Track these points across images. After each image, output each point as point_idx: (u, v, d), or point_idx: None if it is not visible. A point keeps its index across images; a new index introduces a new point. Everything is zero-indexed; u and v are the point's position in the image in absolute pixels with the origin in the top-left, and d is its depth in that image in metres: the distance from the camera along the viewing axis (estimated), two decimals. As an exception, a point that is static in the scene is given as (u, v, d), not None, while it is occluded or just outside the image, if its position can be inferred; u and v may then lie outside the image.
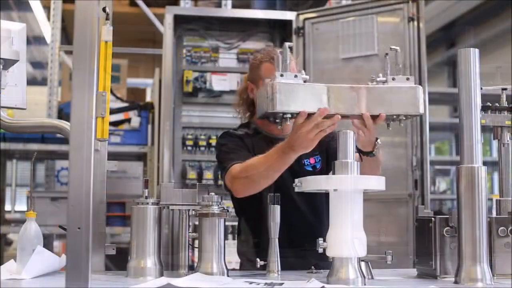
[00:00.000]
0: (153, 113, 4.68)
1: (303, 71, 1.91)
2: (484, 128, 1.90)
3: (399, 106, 1.89)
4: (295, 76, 1.86)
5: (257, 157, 2.13)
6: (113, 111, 4.51)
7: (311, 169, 2.24)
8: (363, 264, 1.91)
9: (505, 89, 2.16)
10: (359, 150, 2.09)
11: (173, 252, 2.29)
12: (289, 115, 1.85)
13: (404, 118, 1.92)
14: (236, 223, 3.93)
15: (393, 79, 1.89)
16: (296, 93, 1.85)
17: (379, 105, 1.89)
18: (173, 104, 4.26)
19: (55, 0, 5.00)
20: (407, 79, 1.90)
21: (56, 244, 6.62)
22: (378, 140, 2.08)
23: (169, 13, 4.29)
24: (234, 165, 2.20)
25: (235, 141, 2.32)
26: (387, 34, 4.06)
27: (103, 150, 2.16)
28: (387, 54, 1.91)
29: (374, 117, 1.92)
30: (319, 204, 2.34)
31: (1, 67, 1.94)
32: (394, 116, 1.92)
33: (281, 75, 1.85)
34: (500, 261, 1.89)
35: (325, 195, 1.93)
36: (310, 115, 1.86)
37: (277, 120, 1.88)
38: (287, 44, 1.90)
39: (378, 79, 1.91)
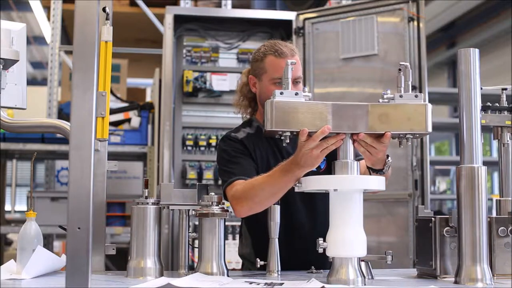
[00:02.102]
0: (153, 113, 4.68)
1: (306, 89, 1.90)
2: (484, 128, 1.90)
3: (405, 124, 1.83)
4: (296, 94, 1.83)
5: (261, 176, 2.08)
6: (113, 111, 4.51)
7: (315, 169, 2.24)
8: (363, 264, 1.91)
9: (505, 89, 2.16)
10: (368, 168, 2.05)
11: (173, 252, 2.29)
12: (288, 133, 1.82)
13: (411, 136, 1.85)
14: (235, 223, 3.97)
15: (401, 96, 1.83)
16: (296, 112, 1.81)
17: (383, 123, 1.82)
18: (173, 104, 4.26)
19: (55, 0, 4.99)
20: (416, 96, 1.83)
21: (56, 244, 6.64)
22: (389, 158, 2.02)
23: (169, 13, 4.29)
24: (237, 181, 2.15)
25: (237, 147, 2.29)
26: (387, 34, 4.06)
27: (103, 150, 2.16)
28: (400, 70, 1.84)
29: (380, 136, 1.85)
30: (320, 204, 2.33)
31: (1, 67, 1.94)
32: (401, 135, 1.85)
33: (281, 93, 1.82)
34: (500, 261, 1.89)
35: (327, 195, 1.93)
36: (313, 133, 1.82)
37: (282, 138, 1.85)
38: (289, 61, 1.88)
39: (385, 96, 1.84)
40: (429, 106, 1.84)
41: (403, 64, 1.86)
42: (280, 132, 1.83)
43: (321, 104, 1.83)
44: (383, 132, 1.84)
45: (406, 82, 1.85)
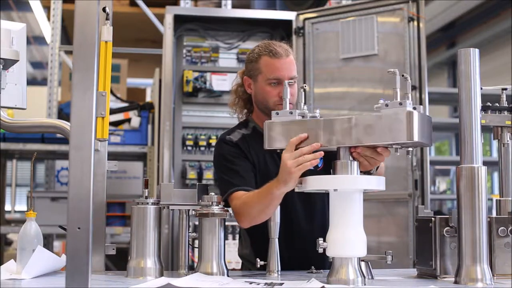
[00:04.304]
0: (153, 113, 4.67)
1: (305, 106, 1.92)
2: (484, 128, 1.90)
3: (387, 135, 1.75)
4: (291, 113, 1.90)
5: (252, 193, 2.09)
6: (113, 111, 4.51)
7: (312, 168, 2.24)
8: (363, 264, 1.91)
9: (505, 89, 2.16)
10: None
11: (173, 252, 2.29)
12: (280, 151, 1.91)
13: (399, 147, 1.79)
14: (235, 223, 3.96)
15: (387, 105, 1.76)
16: (289, 130, 1.88)
17: (369, 135, 1.77)
18: (173, 104, 4.26)
19: (55, 0, 4.99)
20: (400, 104, 1.73)
21: (56, 244, 6.64)
22: None
23: (169, 13, 4.28)
24: (236, 193, 2.16)
25: (232, 151, 2.29)
26: (387, 34, 4.06)
27: (103, 150, 2.16)
28: (403, 75, 1.78)
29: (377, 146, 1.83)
30: (319, 203, 2.33)
31: (1, 67, 1.94)
32: (400, 146, 1.79)
33: (277, 113, 1.92)
34: (500, 261, 1.89)
35: (326, 195, 1.92)
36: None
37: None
38: (286, 82, 1.95)
39: (375, 106, 1.79)
40: (414, 113, 1.72)
41: (390, 71, 1.79)
42: (278, 150, 1.91)
43: (312, 121, 1.87)
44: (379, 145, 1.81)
45: (394, 89, 1.77)
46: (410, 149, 1.82)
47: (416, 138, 1.71)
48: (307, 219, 2.33)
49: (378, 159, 1.86)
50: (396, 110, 1.74)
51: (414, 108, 1.74)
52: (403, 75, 1.79)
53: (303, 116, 1.90)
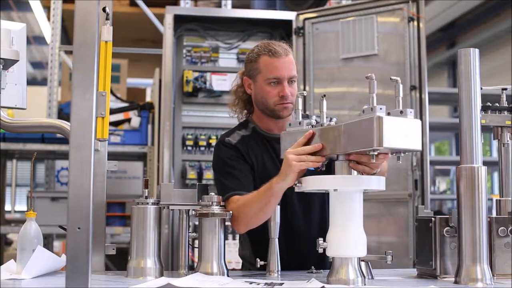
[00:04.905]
0: (153, 113, 4.67)
1: (314, 116, 1.95)
2: (484, 128, 1.90)
3: (363, 142, 1.69)
4: (299, 123, 1.96)
5: (251, 194, 2.09)
6: (113, 111, 4.51)
7: (312, 168, 2.24)
8: (363, 264, 1.91)
9: (505, 89, 2.16)
10: None
11: (173, 252, 2.29)
12: None
13: (374, 153, 1.70)
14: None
15: (363, 111, 1.72)
16: (295, 139, 1.93)
17: (351, 142, 1.74)
18: (173, 104, 4.26)
19: (55, 0, 5.00)
20: (371, 109, 1.67)
21: (56, 244, 6.64)
22: None
23: (169, 13, 4.28)
24: (233, 197, 2.15)
25: (231, 154, 2.28)
26: (387, 34, 4.06)
27: (103, 150, 2.16)
28: (374, 78, 1.74)
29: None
30: (317, 202, 2.33)
31: (1, 67, 1.94)
32: (372, 152, 1.72)
33: (289, 124, 2.00)
34: (500, 261, 1.89)
35: (326, 195, 1.92)
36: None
37: None
38: (299, 98, 1.98)
39: (358, 113, 1.77)
40: (384, 118, 1.65)
41: (368, 76, 1.75)
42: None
43: (314, 130, 1.90)
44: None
45: (371, 94, 1.73)
46: (402, 155, 1.79)
47: (385, 144, 1.63)
48: (305, 218, 2.33)
49: (376, 163, 1.81)
50: (367, 116, 1.70)
51: (401, 112, 1.69)
52: (391, 79, 1.74)
53: (314, 125, 1.93)
